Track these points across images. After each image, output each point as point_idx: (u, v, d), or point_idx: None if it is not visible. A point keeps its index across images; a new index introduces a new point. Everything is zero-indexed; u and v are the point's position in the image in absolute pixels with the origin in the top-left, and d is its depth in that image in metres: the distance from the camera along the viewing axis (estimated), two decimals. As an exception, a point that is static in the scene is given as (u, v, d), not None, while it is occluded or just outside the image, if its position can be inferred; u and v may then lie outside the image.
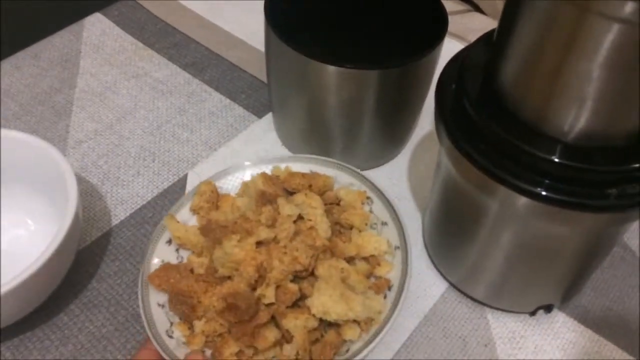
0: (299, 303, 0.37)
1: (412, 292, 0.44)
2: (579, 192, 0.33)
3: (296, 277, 0.38)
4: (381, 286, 0.40)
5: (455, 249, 0.43)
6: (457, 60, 0.40)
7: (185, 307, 0.38)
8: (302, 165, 0.45)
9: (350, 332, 0.37)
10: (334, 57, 0.45)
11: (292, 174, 0.43)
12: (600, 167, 0.32)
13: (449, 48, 0.43)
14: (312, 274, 0.38)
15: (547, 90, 0.32)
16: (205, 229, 0.40)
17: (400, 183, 0.51)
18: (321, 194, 0.43)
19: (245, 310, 0.36)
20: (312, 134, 0.50)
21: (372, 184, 0.44)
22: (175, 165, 0.50)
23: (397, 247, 0.41)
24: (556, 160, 0.32)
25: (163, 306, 0.38)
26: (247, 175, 0.45)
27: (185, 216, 0.42)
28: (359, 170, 0.45)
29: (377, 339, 0.36)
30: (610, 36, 0.28)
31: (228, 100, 0.56)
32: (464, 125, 0.35)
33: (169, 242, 0.41)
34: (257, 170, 0.45)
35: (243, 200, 0.42)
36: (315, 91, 0.46)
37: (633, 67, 0.29)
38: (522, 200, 0.34)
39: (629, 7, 0.27)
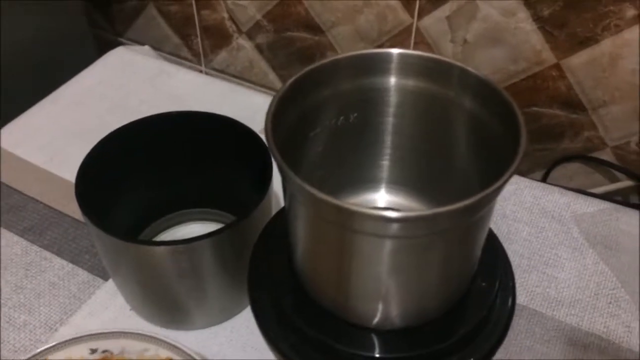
0: None
1: None
2: (393, 378, 0.31)
3: None
4: None
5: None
6: (271, 224, 0.39)
7: None
8: (80, 347, 0.42)
9: None
10: (160, 223, 0.43)
11: None
12: (411, 352, 0.31)
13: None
14: None
15: (340, 290, 0.31)
16: None
17: (260, 330, 0.49)
18: None
19: None
20: (155, 301, 0.47)
21: (170, 343, 0.42)
22: (12, 358, 0.46)
23: None
24: (364, 354, 0.31)
25: None
26: None
27: None
28: (152, 334, 0.43)
29: None
30: (383, 248, 0.27)
31: (71, 266, 0.52)
32: (276, 312, 0.34)
33: None
34: None
35: None
36: (144, 267, 0.43)
37: (415, 267, 0.29)
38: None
39: (392, 228, 0.26)
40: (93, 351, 0.42)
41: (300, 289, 0.33)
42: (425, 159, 0.33)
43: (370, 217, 0.25)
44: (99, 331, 0.43)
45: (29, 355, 0.42)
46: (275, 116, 0.27)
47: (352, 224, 0.26)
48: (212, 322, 0.49)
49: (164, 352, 0.42)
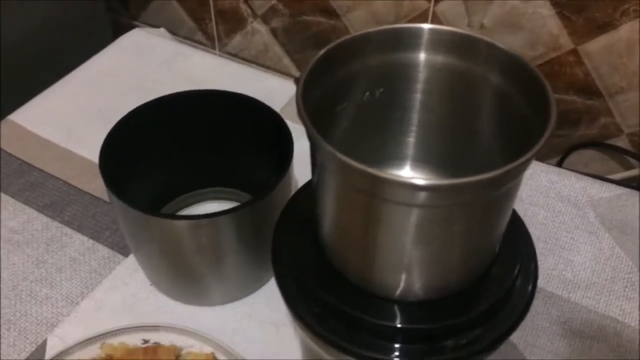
0: None
1: None
2: (416, 349, 0.32)
3: None
4: None
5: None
6: (293, 201, 0.39)
7: None
8: (133, 336, 0.44)
9: None
10: (177, 202, 0.44)
11: (132, 352, 0.42)
12: (432, 323, 0.32)
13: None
14: None
15: (365, 260, 0.31)
16: None
17: (279, 307, 0.49)
18: None
19: None
20: (176, 276, 0.47)
21: (215, 342, 0.44)
22: (34, 331, 0.47)
23: None
24: (387, 324, 0.31)
25: None
26: None
27: None
28: (199, 330, 0.44)
29: None
30: (410, 217, 0.28)
31: (91, 242, 0.53)
32: (300, 285, 0.34)
33: None
34: (83, 355, 0.43)
35: None
36: (165, 242, 0.44)
37: (439, 238, 0.29)
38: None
39: (420, 196, 0.26)
40: (146, 341, 0.44)
41: (324, 262, 0.33)
42: (451, 136, 0.34)
43: (400, 184, 0.25)
44: (154, 324, 0.45)
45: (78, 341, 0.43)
46: (306, 86, 0.27)
47: (381, 192, 0.26)
48: (231, 298, 0.49)
49: (208, 349, 0.43)
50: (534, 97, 0.28)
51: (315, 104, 0.30)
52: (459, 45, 0.30)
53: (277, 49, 0.83)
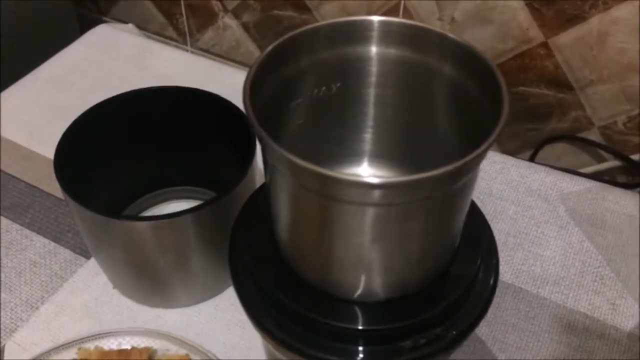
0: None
1: None
2: (377, 351, 0.31)
3: None
4: None
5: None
6: (254, 196, 0.38)
7: None
8: (111, 340, 0.43)
9: None
10: (142, 202, 0.43)
11: (106, 354, 0.41)
12: (391, 324, 0.31)
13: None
14: None
15: (322, 261, 0.30)
16: None
17: (244, 308, 0.48)
18: None
19: None
20: (138, 278, 0.46)
21: (191, 345, 0.43)
22: (-9, 337, 0.46)
23: None
24: (347, 326, 0.30)
25: None
26: None
27: None
28: (175, 335, 0.44)
29: None
30: (365, 216, 0.27)
31: (52, 244, 0.51)
32: (258, 286, 0.33)
33: None
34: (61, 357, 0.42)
35: None
36: (125, 244, 0.43)
37: (396, 236, 0.28)
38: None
39: (374, 195, 0.25)
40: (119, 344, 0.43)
41: (282, 263, 0.32)
42: (408, 131, 0.33)
43: (352, 183, 0.24)
44: (131, 329, 0.44)
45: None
46: (254, 84, 0.26)
47: (334, 192, 0.25)
48: (196, 299, 0.48)
49: (183, 352, 0.42)
50: (487, 86, 0.28)
51: (269, 100, 0.29)
52: (410, 37, 0.29)
53: (249, 44, 0.82)
